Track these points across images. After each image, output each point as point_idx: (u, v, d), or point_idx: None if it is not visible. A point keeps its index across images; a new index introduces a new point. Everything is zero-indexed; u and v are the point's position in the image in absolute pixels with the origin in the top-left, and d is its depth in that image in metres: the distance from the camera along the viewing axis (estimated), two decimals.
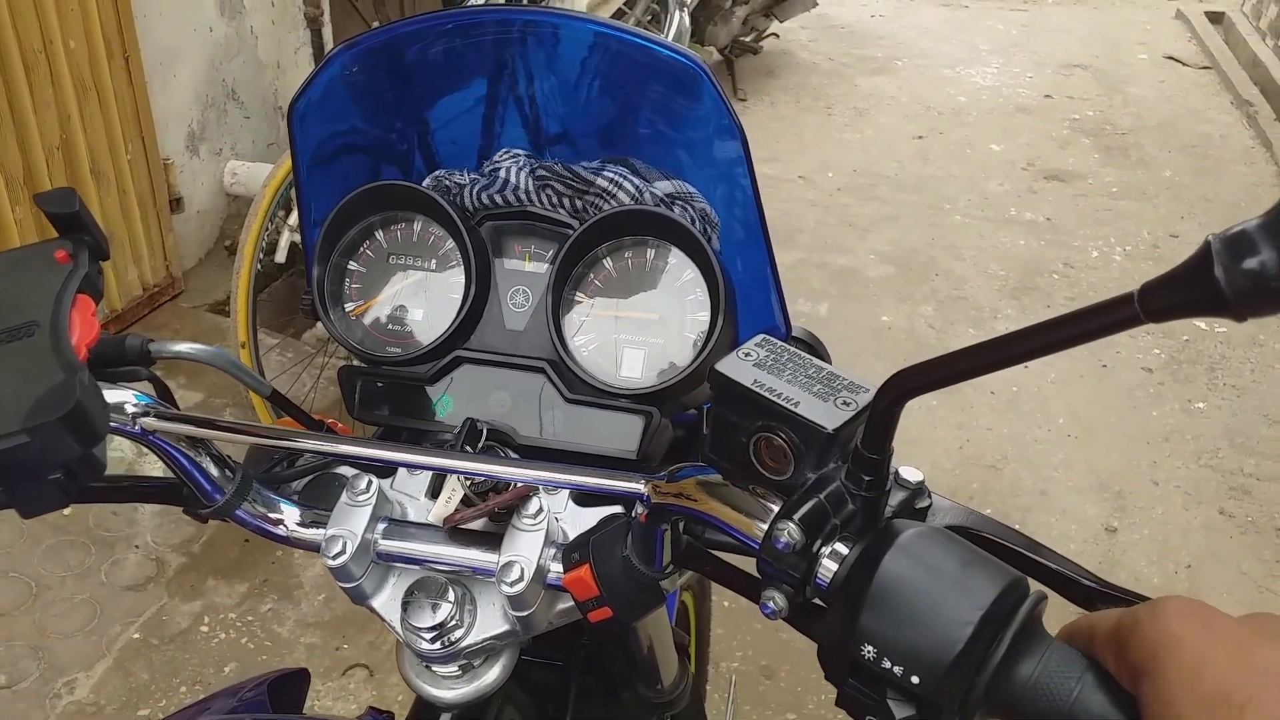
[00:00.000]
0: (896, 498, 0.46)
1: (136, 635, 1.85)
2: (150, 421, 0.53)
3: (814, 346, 0.67)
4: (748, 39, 5.13)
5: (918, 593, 0.40)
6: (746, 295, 0.66)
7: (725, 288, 0.62)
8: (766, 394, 0.44)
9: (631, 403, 0.62)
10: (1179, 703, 0.35)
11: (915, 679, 0.39)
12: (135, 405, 0.53)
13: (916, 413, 2.59)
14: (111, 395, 0.53)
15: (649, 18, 4.00)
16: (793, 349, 0.47)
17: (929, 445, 2.53)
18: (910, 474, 0.46)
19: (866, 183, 4.02)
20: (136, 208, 2.52)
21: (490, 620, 0.56)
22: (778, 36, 5.27)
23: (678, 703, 0.77)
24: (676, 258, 0.63)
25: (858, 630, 0.41)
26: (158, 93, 2.53)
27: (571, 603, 0.54)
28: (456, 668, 0.57)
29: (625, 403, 0.62)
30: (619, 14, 4.08)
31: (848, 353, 2.88)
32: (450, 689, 0.58)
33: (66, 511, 2.03)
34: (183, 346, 0.57)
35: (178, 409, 0.56)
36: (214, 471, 0.56)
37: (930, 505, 0.46)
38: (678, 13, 3.89)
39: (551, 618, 0.56)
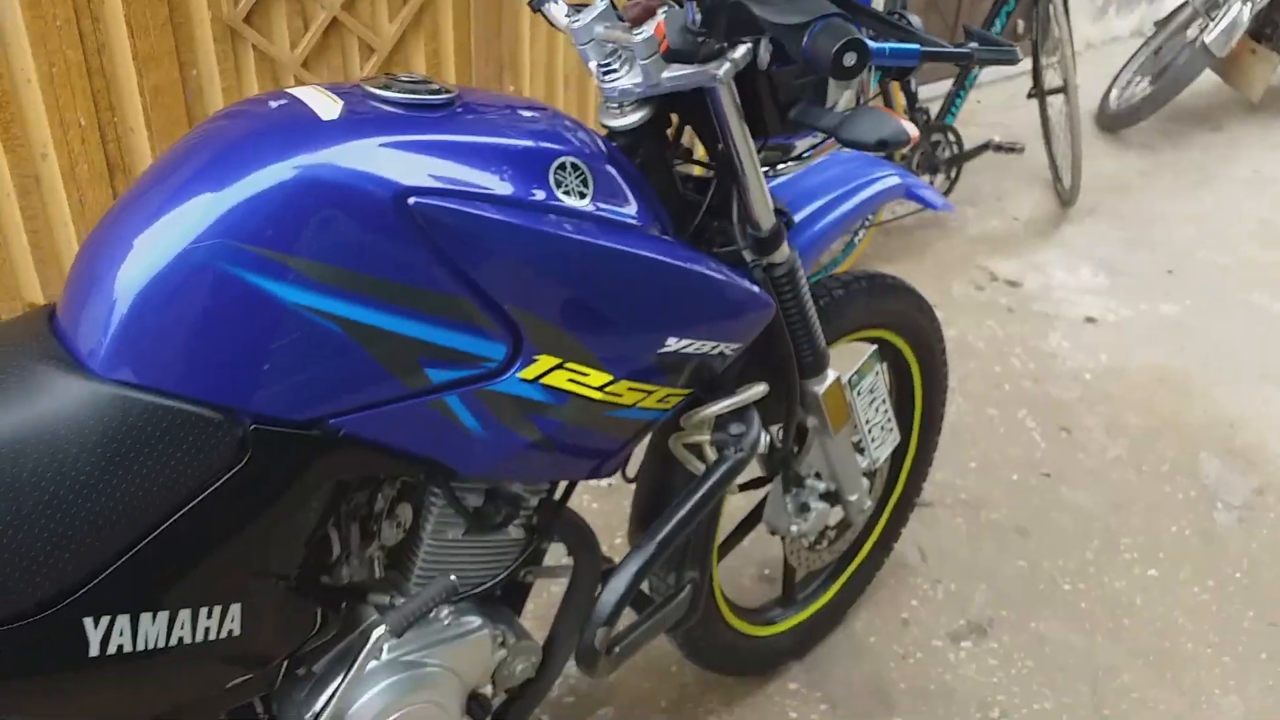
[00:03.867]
0: None
1: None
2: None
3: None
4: None
5: None
6: None
7: None
8: None
9: None
10: None
11: None
12: None
13: None
14: None
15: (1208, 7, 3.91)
16: None
17: None
18: None
19: None
20: None
21: (635, 77, 1.05)
22: None
23: (770, 245, 1.18)
24: None
25: None
26: None
27: (673, 74, 1.02)
28: (617, 106, 1.08)
29: None
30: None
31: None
32: (612, 119, 1.09)
33: None
34: None
35: None
36: None
37: None
38: (1237, 4, 3.78)
39: (662, 80, 1.04)
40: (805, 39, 0.83)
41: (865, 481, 1.54)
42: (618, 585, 1.11)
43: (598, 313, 0.98)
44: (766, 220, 1.17)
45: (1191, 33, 4.00)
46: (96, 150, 2.20)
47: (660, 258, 1.01)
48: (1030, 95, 3.44)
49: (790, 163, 1.24)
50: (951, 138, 3.04)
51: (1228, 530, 2.09)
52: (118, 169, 2.25)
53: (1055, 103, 3.41)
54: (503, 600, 1.23)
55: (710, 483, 1.16)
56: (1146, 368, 2.62)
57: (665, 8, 1.03)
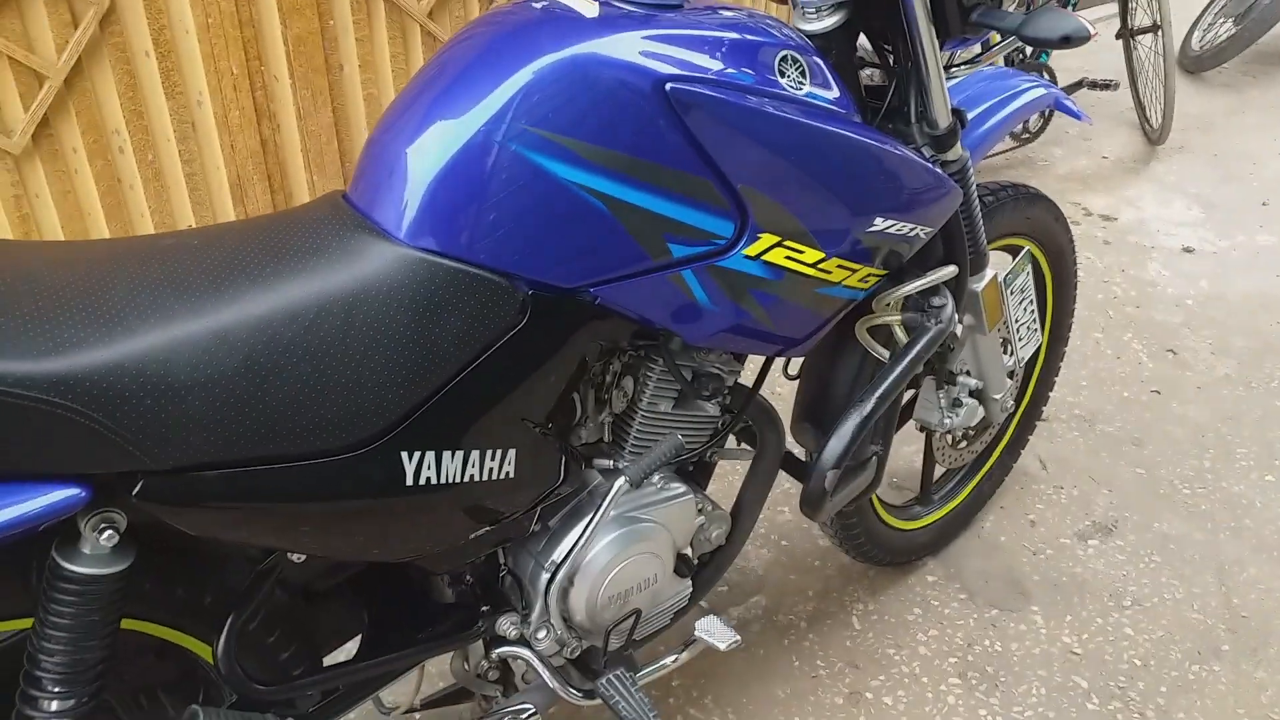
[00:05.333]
0: None
1: None
2: None
3: None
4: None
5: None
6: None
7: None
8: None
9: None
10: None
11: None
12: None
13: None
14: None
15: None
16: None
17: None
18: None
19: None
20: None
21: None
22: None
23: (946, 143, 1.28)
24: None
25: None
26: None
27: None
28: (814, 10, 1.19)
29: None
30: None
31: None
32: (809, 23, 1.19)
33: None
34: None
35: None
36: None
37: None
38: None
39: None
40: None
41: (1009, 381, 1.63)
42: (844, 433, 1.23)
43: (817, 192, 1.09)
44: (944, 118, 1.27)
45: None
46: (246, 97, 2.34)
47: (870, 141, 1.11)
48: (1118, 36, 3.47)
49: (960, 67, 1.33)
50: (1046, 76, 3.09)
51: None
52: (264, 115, 2.39)
53: (1144, 41, 3.44)
54: (692, 477, 1.35)
55: (914, 351, 1.27)
56: (1248, 294, 2.67)
57: None
